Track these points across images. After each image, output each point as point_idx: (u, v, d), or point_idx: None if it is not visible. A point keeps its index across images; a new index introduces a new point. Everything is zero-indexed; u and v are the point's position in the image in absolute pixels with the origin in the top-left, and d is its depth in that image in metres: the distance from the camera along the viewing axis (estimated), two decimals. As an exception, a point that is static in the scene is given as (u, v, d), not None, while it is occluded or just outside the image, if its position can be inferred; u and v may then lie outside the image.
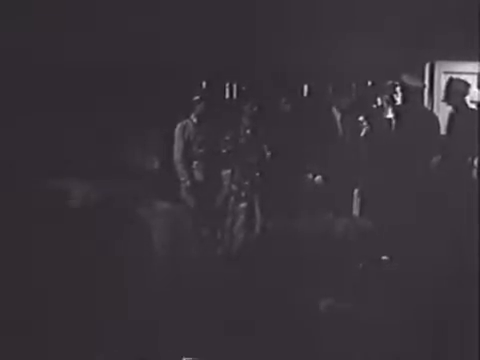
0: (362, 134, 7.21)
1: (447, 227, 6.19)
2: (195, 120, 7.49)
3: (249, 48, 7.55)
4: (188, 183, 7.38)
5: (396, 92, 7.01)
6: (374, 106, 7.28)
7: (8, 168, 6.37)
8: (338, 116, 7.44)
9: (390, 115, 7.07)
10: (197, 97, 7.46)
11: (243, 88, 7.93)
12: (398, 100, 7.04)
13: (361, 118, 7.25)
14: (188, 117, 7.49)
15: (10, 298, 5.26)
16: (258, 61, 7.62)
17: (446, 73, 7.86)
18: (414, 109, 7.11)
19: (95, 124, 7.22)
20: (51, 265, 5.56)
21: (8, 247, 5.62)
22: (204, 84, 7.80)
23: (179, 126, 7.48)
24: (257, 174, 7.33)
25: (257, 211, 7.32)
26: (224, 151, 7.41)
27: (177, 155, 7.44)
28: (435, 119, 7.16)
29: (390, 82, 7.07)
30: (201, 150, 7.45)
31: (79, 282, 5.47)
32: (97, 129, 7.21)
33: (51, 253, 5.64)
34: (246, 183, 7.33)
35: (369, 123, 7.17)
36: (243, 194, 7.33)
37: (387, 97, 7.07)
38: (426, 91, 8.08)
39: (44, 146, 6.82)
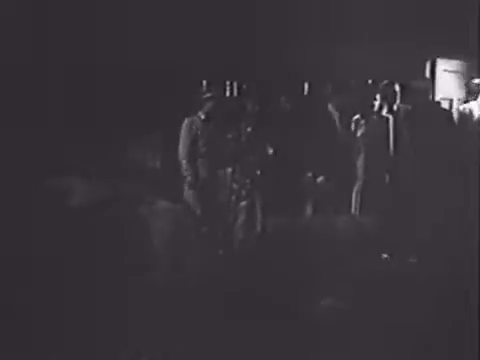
0: (361, 133, 7.23)
1: (447, 226, 6.20)
2: (203, 117, 7.42)
3: (249, 47, 7.54)
4: (191, 179, 7.28)
5: (396, 91, 7.02)
6: (374, 105, 7.29)
7: (8, 167, 6.38)
8: (338, 115, 7.45)
9: (390, 114, 7.08)
10: (208, 94, 7.42)
11: (244, 87, 7.92)
12: (398, 99, 7.05)
13: (361, 117, 7.27)
14: (196, 114, 7.40)
15: (11, 298, 5.29)
16: (258, 60, 7.62)
17: (447, 71, 7.87)
18: (414, 107, 7.13)
19: (97, 123, 7.22)
20: (52, 264, 5.58)
21: (8, 246, 5.65)
22: (205, 83, 7.78)
23: (186, 122, 7.36)
24: (258, 172, 7.33)
25: (258, 209, 7.33)
26: (225, 149, 7.41)
27: (183, 151, 7.31)
28: (435, 118, 7.18)
29: (390, 81, 7.08)
30: (204, 148, 7.40)
31: (79, 281, 5.49)
32: (98, 128, 7.21)
33: (52, 252, 5.66)
34: (247, 181, 7.32)
35: (368, 122, 7.19)
36: (244, 192, 7.33)
37: (387, 96, 7.08)
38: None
39: (45, 145, 6.82)
